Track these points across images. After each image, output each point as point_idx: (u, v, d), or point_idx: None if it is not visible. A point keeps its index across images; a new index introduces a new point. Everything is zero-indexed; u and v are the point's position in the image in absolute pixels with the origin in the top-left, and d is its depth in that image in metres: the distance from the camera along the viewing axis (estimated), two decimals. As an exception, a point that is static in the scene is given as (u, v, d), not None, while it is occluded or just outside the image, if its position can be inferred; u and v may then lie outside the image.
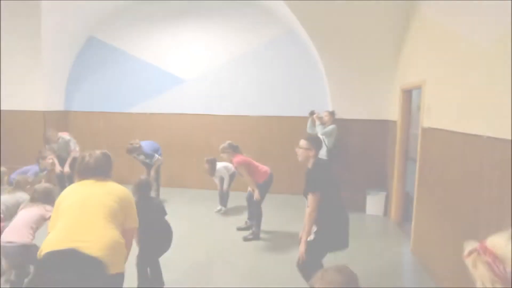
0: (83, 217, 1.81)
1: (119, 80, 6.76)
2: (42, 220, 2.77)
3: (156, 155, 5.23)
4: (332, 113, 5.42)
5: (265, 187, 4.33)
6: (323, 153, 5.19)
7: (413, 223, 4.08)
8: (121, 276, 1.85)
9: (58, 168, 5.70)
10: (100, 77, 6.82)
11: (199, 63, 6.44)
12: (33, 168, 4.56)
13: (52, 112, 6.66)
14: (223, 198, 5.29)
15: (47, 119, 6.52)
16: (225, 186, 5.21)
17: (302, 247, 2.59)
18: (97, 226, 1.79)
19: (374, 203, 5.39)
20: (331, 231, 2.65)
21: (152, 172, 5.31)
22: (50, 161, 4.70)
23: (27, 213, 2.72)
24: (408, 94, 4.82)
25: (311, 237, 2.62)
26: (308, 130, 5.49)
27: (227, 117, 6.45)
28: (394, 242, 4.36)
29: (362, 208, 5.49)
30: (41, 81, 6.30)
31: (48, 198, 2.89)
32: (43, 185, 3.06)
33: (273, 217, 5.08)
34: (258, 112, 6.36)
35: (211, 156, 5.22)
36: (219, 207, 5.41)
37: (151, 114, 6.70)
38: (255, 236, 4.27)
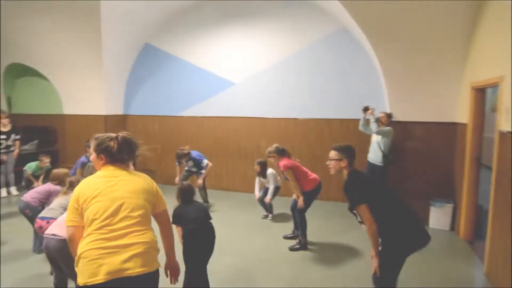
0: (119, 225, 1.71)
1: (172, 84, 6.97)
2: None
3: (205, 160, 5.24)
4: (389, 115, 4.96)
5: (311, 196, 4.06)
6: (378, 159, 4.77)
7: (487, 241, 3.50)
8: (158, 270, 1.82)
9: None
10: (155, 82, 7.10)
11: (249, 66, 6.37)
12: (82, 159, 4.81)
13: (112, 116, 7.09)
14: (266, 207, 5.10)
15: (108, 122, 6.96)
16: (269, 196, 4.91)
17: (375, 262, 2.37)
18: (135, 233, 1.73)
19: (439, 216, 4.80)
20: (399, 237, 2.35)
21: (200, 181, 5.33)
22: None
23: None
24: (480, 93, 4.21)
25: (380, 248, 2.37)
26: (361, 128, 5.10)
27: (277, 120, 6.28)
28: (463, 263, 3.79)
29: (424, 220, 4.93)
30: (102, 88, 6.73)
31: None
32: (78, 178, 3.14)
33: (322, 226, 4.78)
34: (309, 115, 6.08)
35: (262, 159, 5.10)
36: (265, 213, 5.26)
37: (202, 117, 6.78)
38: (302, 246, 4.02)
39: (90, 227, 1.70)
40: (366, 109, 4.98)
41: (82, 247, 1.66)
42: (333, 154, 2.57)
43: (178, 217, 2.77)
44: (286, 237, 4.37)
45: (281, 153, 4.14)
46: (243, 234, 4.52)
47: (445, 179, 4.97)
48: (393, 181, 5.09)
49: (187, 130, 6.93)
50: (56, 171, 3.91)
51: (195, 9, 6.61)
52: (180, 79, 6.89)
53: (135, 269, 1.64)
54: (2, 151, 5.95)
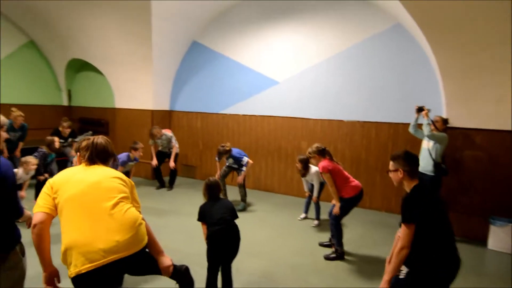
0: (100, 209, 1.80)
1: (216, 82, 7.01)
2: None
3: (245, 158, 5.18)
4: (445, 120, 4.49)
5: (349, 204, 3.78)
6: (428, 168, 4.34)
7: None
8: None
9: (155, 162, 6.24)
10: (200, 79, 7.19)
11: (294, 64, 6.18)
12: (123, 156, 4.97)
13: (158, 111, 7.32)
14: (316, 210, 4.88)
15: (154, 117, 7.20)
16: (315, 193, 4.79)
17: (382, 285, 2.11)
18: (118, 214, 1.82)
19: (499, 236, 4.24)
20: (429, 278, 2.05)
21: (241, 179, 5.28)
22: (141, 154, 5.03)
23: None
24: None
25: (401, 276, 2.07)
26: (411, 129, 4.64)
27: (320, 121, 6.03)
28: (527, 293, 3.29)
29: (482, 240, 4.41)
30: (150, 83, 6.97)
31: None
32: None
33: (363, 236, 4.47)
34: (355, 117, 5.75)
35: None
36: (302, 215, 5.07)
37: (244, 115, 6.74)
38: (338, 256, 3.77)
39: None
40: (420, 110, 4.48)
41: None
42: (390, 164, 2.34)
43: (203, 214, 2.72)
44: (322, 244, 4.14)
45: (321, 153, 3.91)
46: (277, 237, 4.37)
47: (508, 194, 4.39)
48: (446, 194, 4.61)
49: (228, 128, 6.93)
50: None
51: (242, 7, 6.57)
52: (224, 77, 6.91)
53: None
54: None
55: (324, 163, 3.81)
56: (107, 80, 7.60)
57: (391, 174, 2.34)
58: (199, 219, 2.73)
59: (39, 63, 7.97)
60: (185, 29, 6.81)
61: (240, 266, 3.49)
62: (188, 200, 5.78)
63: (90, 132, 7.97)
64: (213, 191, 2.86)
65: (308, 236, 4.41)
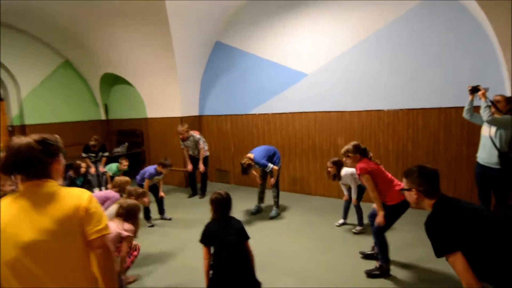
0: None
1: (242, 81, 6.67)
2: (117, 240, 2.66)
3: (270, 165, 4.75)
4: (509, 99, 3.66)
5: (394, 212, 3.18)
6: (492, 160, 3.57)
7: None
8: None
9: (190, 167, 6.04)
10: (226, 80, 6.90)
11: (322, 53, 5.60)
12: (150, 169, 4.81)
13: (187, 117, 7.17)
14: (358, 215, 4.33)
15: (183, 123, 7.05)
16: (353, 196, 4.26)
17: None
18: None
19: None
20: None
21: (272, 180, 4.89)
22: (165, 172, 4.86)
23: None
24: None
25: None
26: (465, 114, 3.86)
27: (357, 113, 5.40)
28: None
29: None
30: (177, 90, 6.83)
31: (130, 215, 2.77)
32: (128, 201, 2.97)
33: (417, 245, 3.80)
34: (397, 105, 5.04)
35: (337, 158, 4.40)
36: (341, 221, 4.55)
37: (273, 114, 6.31)
38: (382, 272, 3.21)
39: None
40: (474, 90, 3.67)
41: None
42: (404, 182, 1.97)
43: (210, 237, 2.36)
44: (363, 254, 3.60)
45: (360, 152, 3.35)
46: (312, 249, 3.89)
47: None
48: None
49: (258, 128, 6.56)
50: (118, 178, 3.94)
51: (259, 3, 6.14)
52: (250, 75, 6.54)
53: None
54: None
55: (362, 163, 3.25)
56: (137, 92, 7.63)
57: (405, 194, 1.94)
58: (202, 241, 2.38)
59: (76, 81, 8.25)
60: (206, 31, 6.55)
61: (268, 285, 3.10)
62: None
63: (126, 144, 8.11)
64: (224, 207, 2.49)
65: (349, 246, 3.88)
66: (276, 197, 5.00)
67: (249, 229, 4.51)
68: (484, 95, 3.58)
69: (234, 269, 2.29)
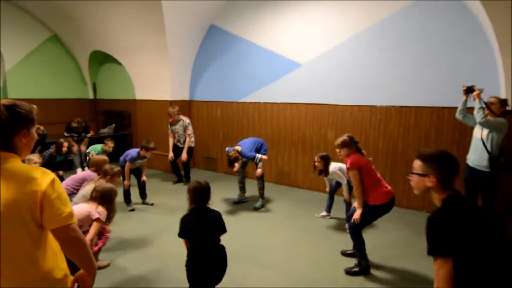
0: None
1: (235, 68, 6.48)
2: (88, 220, 2.53)
3: (258, 155, 4.62)
4: (503, 102, 3.58)
5: (374, 213, 3.10)
6: (482, 163, 3.51)
7: None
8: None
9: (171, 155, 5.92)
10: (219, 66, 6.70)
11: (317, 43, 5.45)
12: (132, 152, 4.66)
13: (177, 101, 6.98)
14: (349, 210, 4.22)
15: (174, 105, 6.86)
16: (345, 194, 4.13)
17: None
18: None
19: None
20: None
21: (260, 171, 4.76)
22: (148, 156, 4.70)
23: (77, 210, 2.48)
24: None
25: None
26: (458, 115, 3.79)
27: (349, 107, 5.28)
28: None
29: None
30: (167, 72, 6.62)
31: (104, 199, 2.64)
32: (104, 185, 2.82)
33: (398, 244, 3.76)
34: (390, 101, 4.94)
35: (326, 152, 4.30)
36: (323, 213, 4.50)
37: (265, 103, 6.16)
38: (362, 270, 3.14)
39: None
40: (469, 90, 3.58)
41: None
42: (417, 165, 1.66)
43: (187, 230, 2.24)
44: (344, 253, 3.53)
45: (354, 146, 3.22)
46: (294, 243, 3.81)
47: None
48: (505, 194, 3.75)
49: (248, 117, 6.41)
50: (96, 157, 3.79)
51: (260, -18, 5.93)
52: (243, 62, 6.36)
53: None
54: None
55: (354, 158, 3.14)
56: (126, 72, 7.39)
57: (415, 179, 1.66)
58: (181, 235, 2.26)
59: (63, 57, 7.97)
60: (200, 13, 6.32)
61: (244, 280, 3.01)
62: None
63: (113, 125, 7.91)
64: (202, 197, 2.37)
65: (332, 242, 3.80)
66: (262, 188, 4.89)
67: (232, 219, 4.48)
68: (478, 96, 3.49)
69: (210, 263, 2.19)
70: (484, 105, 3.47)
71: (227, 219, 4.46)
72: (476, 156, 3.62)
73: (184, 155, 5.83)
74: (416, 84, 4.70)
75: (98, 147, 5.70)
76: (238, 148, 4.68)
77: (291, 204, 5.09)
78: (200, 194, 2.34)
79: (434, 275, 1.47)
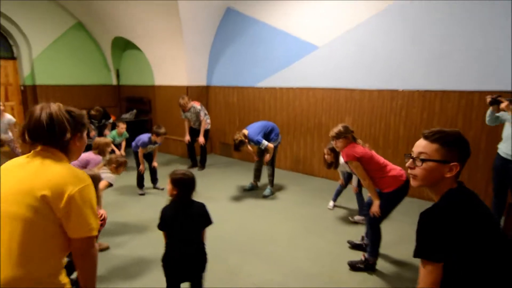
0: None
1: (252, 51, 6.28)
2: None
3: (264, 142, 4.43)
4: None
5: (391, 201, 2.83)
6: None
7: None
8: None
9: (187, 138, 5.89)
10: (236, 50, 6.53)
11: (334, 24, 5.09)
12: (144, 137, 4.65)
13: (194, 87, 6.93)
14: (358, 203, 3.96)
15: (190, 93, 6.83)
16: (354, 184, 3.88)
17: None
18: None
19: None
20: None
21: (267, 157, 4.60)
22: (159, 141, 4.66)
23: None
24: None
25: None
26: (488, 123, 3.44)
27: (368, 91, 4.93)
28: None
29: None
30: (183, 57, 6.56)
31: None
32: (88, 172, 2.78)
33: (409, 239, 3.47)
34: (413, 85, 4.54)
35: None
36: (331, 204, 4.31)
37: (280, 88, 5.93)
38: (367, 266, 2.92)
39: None
40: (495, 102, 3.16)
41: None
42: (432, 148, 1.31)
43: (164, 221, 2.14)
44: (351, 244, 3.32)
45: (349, 136, 2.99)
46: (299, 233, 3.65)
47: None
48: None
49: (264, 103, 6.22)
50: (98, 139, 3.80)
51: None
52: (259, 46, 6.13)
53: None
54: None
55: (348, 150, 2.90)
56: (146, 58, 7.43)
57: (427, 167, 1.32)
58: (160, 227, 2.16)
59: (87, 43, 8.15)
60: (217, -5, 6.15)
61: (239, 271, 2.92)
62: (214, 183, 5.34)
63: (135, 111, 8.04)
64: (187, 189, 2.21)
65: (338, 235, 3.59)
66: (271, 175, 4.74)
67: (237, 207, 4.38)
68: (508, 107, 3.06)
69: (187, 259, 2.08)
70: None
71: (233, 207, 4.39)
72: (509, 145, 3.23)
73: (201, 138, 5.80)
74: (441, 66, 4.27)
75: (112, 133, 5.79)
76: (245, 131, 4.54)
77: (303, 192, 4.90)
78: (184, 185, 2.20)
79: (419, 277, 1.26)
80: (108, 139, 3.91)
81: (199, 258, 2.14)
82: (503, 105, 3.09)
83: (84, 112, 1.46)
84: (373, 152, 2.95)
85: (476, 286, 1.21)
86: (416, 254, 1.25)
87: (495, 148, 3.49)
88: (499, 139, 3.44)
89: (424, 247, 1.23)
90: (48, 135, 1.28)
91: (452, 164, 1.29)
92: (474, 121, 4.13)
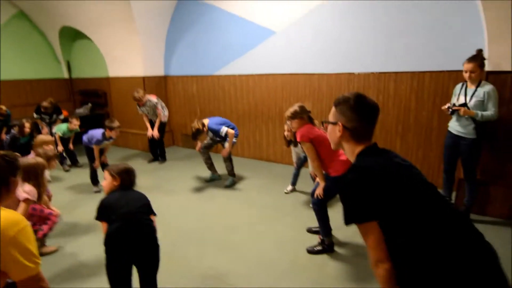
0: None
1: (208, 39, 6.08)
2: (17, 203, 2.31)
3: (224, 128, 4.34)
4: (482, 65, 3.23)
5: (337, 184, 2.84)
6: (469, 130, 3.24)
7: None
8: None
9: (150, 132, 5.67)
10: (192, 38, 6.30)
11: (290, 9, 5.03)
12: (98, 135, 4.39)
13: (151, 77, 6.65)
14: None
15: (147, 84, 6.55)
16: (310, 168, 3.89)
17: None
18: None
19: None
20: None
21: (227, 148, 4.48)
22: (117, 134, 4.41)
23: None
24: None
25: None
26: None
27: (326, 76, 4.95)
28: None
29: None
30: (138, 47, 6.25)
31: (29, 175, 2.41)
32: (27, 160, 2.57)
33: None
34: (368, 68, 4.60)
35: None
36: (289, 187, 4.35)
37: (240, 75, 5.82)
38: (325, 249, 2.94)
39: None
40: (453, 112, 3.31)
41: None
42: (331, 112, 1.42)
43: (104, 210, 2.01)
44: (310, 231, 3.33)
45: (305, 116, 2.97)
46: (260, 220, 3.61)
47: None
48: (489, 161, 3.50)
49: (224, 91, 6.09)
50: (41, 137, 3.54)
51: None
52: (216, 32, 5.95)
53: None
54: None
55: (303, 130, 2.88)
56: (98, 48, 7.01)
57: (328, 129, 1.44)
58: (98, 218, 2.03)
59: (32, 34, 7.54)
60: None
61: (198, 263, 2.83)
62: (175, 176, 5.18)
63: (90, 105, 7.61)
64: (129, 176, 2.13)
65: (299, 220, 3.60)
66: (231, 170, 4.65)
67: (197, 198, 4.24)
68: (466, 112, 3.17)
69: (132, 241, 1.96)
70: (479, 115, 3.13)
71: (193, 198, 4.26)
72: (460, 122, 3.34)
73: (155, 132, 5.59)
74: (394, 48, 4.34)
75: (63, 126, 5.43)
76: (206, 120, 4.42)
77: (265, 180, 4.87)
78: (127, 173, 2.10)
79: (366, 244, 1.23)
80: (50, 137, 3.63)
81: (147, 237, 2.01)
82: (461, 113, 3.19)
83: (17, 154, 1.45)
84: (327, 135, 2.94)
85: (422, 243, 1.17)
86: (346, 221, 1.26)
87: (446, 127, 3.60)
88: (449, 117, 3.55)
89: (352, 211, 1.23)
90: None
91: (338, 124, 1.36)
92: (426, 102, 4.26)
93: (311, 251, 2.95)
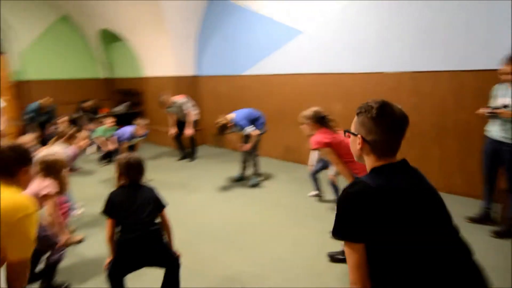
0: None
1: (237, 39, 6.12)
2: (38, 200, 2.41)
3: (247, 128, 4.31)
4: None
5: None
6: (508, 134, 2.97)
7: None
8: None
9: (171, 131, 5.77)
10: (222, 38, 6.36)
11: (317, 7, 4.89)
12: (127, 132, 4.55)
13: (183, 77, 6.79)
14: (335, 192, 3.84)
15: (179, 84, 6.70)
16: (331, 172, 3.72)
17: None
18: None
19: None
20: None
21: (248, 145, 4.48)
22: (144, 131, 4.55)
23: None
24: None
25: None
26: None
27: (357, 75, 4.76)
28: None
29: None
30: (169, 47, 6.42)
31: (49, 171, 2.51)
32: (47, 157, 2.67)
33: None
34: (402, 67, 4.35)
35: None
36: (313, 192, 4.19)
37: (267, 75, 5.77)
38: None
39: None
40: (494, 117, 3.03)
41: None
42: (353, 122, 1.30)
43: (113, 206, 2.03)
44: (333, 258, 3.05)
45: (319, 121, 2.88)
46: (278, 223, 3.55)
47: None
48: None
49: (251, 91, 6.08)
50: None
51: None
52: (244, 32, 5.96)
53: None
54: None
55: (318, 136, 2.78)
56: (134, 49, 7.29)
57: (350, 139, 1.31)
58: (105, 212, 2.06)
59: (74, 37, 8.02)
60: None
61: (210, 262, 2.83)
62: (201, 174, 5.25)
63: (128, 103, 7.95)
64: (135, 172, 2.12)
65: (322, 224, 3.48)
66: (255, 165, 4.63)
67: (222, 197, 4.26)
68: (507, 114, 2.90)
69: (141, 245, 1.99)
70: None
71: (216, 197, 4.27)
72: (503, 127, 3.04)
73: (188, 130, 5.69)
74: (430, 46, 4.07)
75: (99, 129, 5.66)
76: (232, 115, 4.43)
77: (291, 181, 4.79)
78: (132, 169, 2.10)
79: (347, 262, 1.14)
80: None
81: (154, 241, 2.03)
82: (503, 116, 2.92)
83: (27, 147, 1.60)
84: (343, 141, 2.78)
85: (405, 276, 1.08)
86: (333, 233, 1.16)
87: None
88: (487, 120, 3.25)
89: (340, 226, 1.13)
90: None
91: (358, 136, 1.22)
92: (466, 104, 3.93)
93: (332, 258, 2.83)
